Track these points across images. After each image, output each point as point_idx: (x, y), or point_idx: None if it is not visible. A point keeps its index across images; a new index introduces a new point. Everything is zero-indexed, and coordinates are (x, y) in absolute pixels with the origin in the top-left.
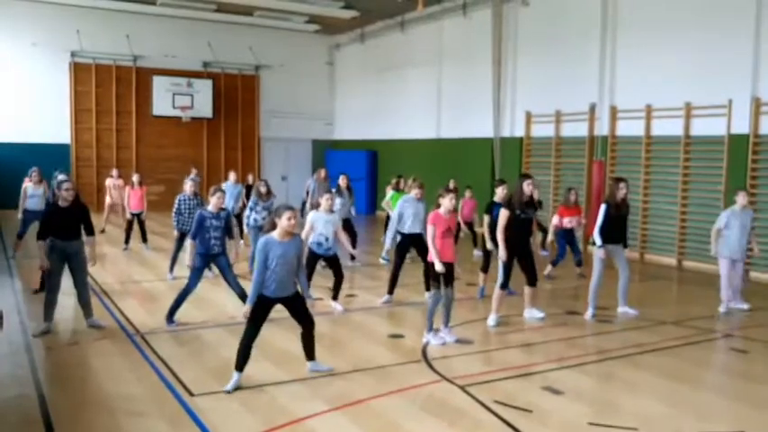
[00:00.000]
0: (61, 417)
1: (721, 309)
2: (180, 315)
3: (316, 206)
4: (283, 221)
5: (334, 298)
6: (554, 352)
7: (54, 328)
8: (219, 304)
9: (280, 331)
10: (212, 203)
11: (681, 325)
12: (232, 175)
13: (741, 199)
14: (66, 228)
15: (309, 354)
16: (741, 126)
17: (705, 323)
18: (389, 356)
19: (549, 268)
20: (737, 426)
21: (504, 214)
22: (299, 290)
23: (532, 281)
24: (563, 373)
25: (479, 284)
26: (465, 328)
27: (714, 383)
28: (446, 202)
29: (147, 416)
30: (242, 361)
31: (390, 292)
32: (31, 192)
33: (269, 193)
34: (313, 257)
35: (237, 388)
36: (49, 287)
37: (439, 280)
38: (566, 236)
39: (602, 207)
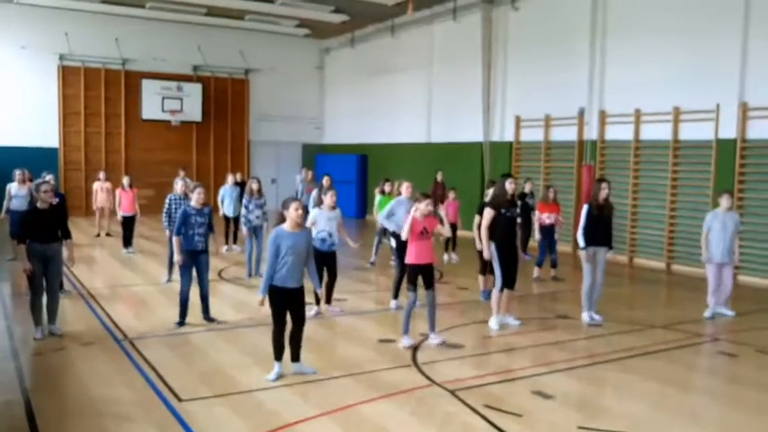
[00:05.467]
0: (48, 422)
1: (706, 314)
2: (168, 320)
3: (318, 203)
4: (291, 212)
5: (327, 301)
6: (544, 356)
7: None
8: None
9: (269, 335)
10: (194, 199)
11: (670, 328)
12: (230, 178)
13: (725, 202)
14: (44, 231)
15: (295, 355)
16: (729, 131)
17: (694, 327)
18: (379, 361)
19: (536, 271)
20: (726, 429)
21: (488, 213)
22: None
23: (512, 284)
24: (553, 377)
25: (481, 288)
26: (455, 332)
27: (703, 387)
28: (422, 207)
29: (135, 421)
30: (278, 352)
31: (396, 296)
32: (15, 191)
33: (260, 190)
34: (316, 253)
35: (281, 376)
36: (32, 290)
37: (414, 282)
38: (546, 234)
39: (584, 208)
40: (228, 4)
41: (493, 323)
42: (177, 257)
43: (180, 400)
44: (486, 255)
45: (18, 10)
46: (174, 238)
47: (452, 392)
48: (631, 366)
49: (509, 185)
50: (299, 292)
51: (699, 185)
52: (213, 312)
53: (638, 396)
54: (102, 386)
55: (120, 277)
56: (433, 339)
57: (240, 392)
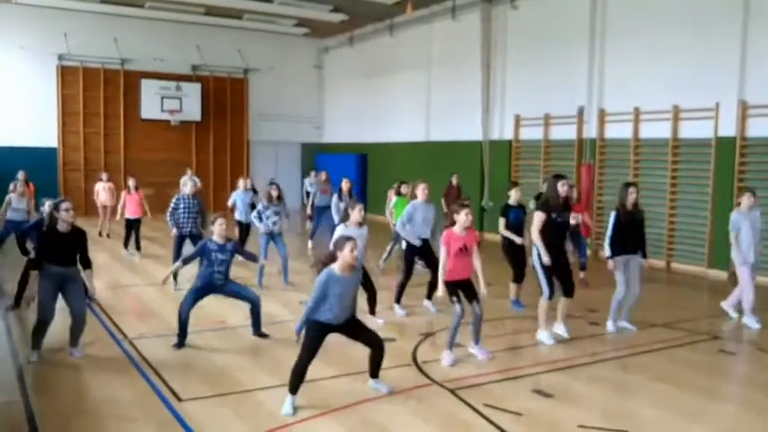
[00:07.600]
0: (48, 423)
1: (748, 321)
2: (168, 320)
3: (344, 219)
4: (345, 254)
5: (372, 312)
6: (544, 355)
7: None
8: (209, 309)
9: (270, 339)
10: (216, 233)
11: (670, 327)
12: (242, 183)
13: (746, 200)
14: (63, 255)
15: (374, 372)
16: (728, 129)
17: (695, 325)
18: None
19: (581, 274)
20: (727, 428)
21: (539, 217)
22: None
23: (569, 291)
24: (553, 376)
25: (511, 297)
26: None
27: (704, 386)
28: (461, 219)
29: (136, 421)
30: (295, 385)
31: (398, 301)
32: (15, 204)
33: (280, 197)
34: None
35: (296, 409)
36: (41, 317)
37: (459, 297)
38: (572, 235)
39: (612, 215)
40: (227, 3)
41: (544, 337)
42: (166, 275)
43: (180, 399)
44: (545, 260)
45: (16, 10)
46: (178, 264)
47: (452, 391)
48: (632, 365)
49: (561, 188)
50: (351, 321)
51: (698, 183)
52: (214, 314)
53: (638, 395)
54: (102, 386)
55: (121, 278)
56: (479, 354)
57: (240, 392)
